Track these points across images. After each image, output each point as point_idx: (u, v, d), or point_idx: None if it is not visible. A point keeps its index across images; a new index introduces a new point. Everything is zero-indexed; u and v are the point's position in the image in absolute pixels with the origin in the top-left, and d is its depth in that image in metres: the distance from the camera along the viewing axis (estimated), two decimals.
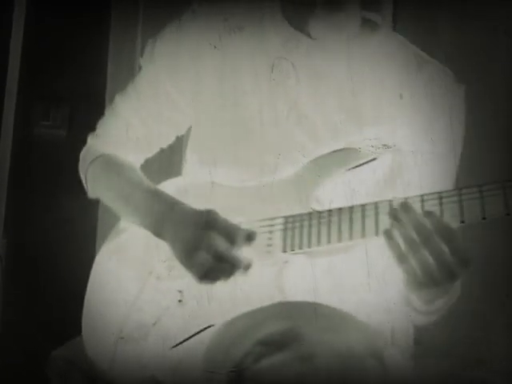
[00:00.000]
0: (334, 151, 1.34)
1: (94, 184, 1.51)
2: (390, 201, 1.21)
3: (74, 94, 2.18)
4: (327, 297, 1.28)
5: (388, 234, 1.18)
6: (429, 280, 1.16)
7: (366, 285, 1.31)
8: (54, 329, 1.91)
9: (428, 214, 1.16)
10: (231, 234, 1.26)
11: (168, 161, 1.71)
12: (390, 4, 1.77)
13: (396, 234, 1.17)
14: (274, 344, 1.15)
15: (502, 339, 1.56)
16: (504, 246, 1.61)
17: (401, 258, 1.17)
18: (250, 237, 1.28)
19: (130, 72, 2.07)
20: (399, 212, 1.18)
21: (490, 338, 1.55)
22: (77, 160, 1.55)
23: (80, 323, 1.46)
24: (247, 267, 1.26)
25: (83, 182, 1.54)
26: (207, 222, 1.27)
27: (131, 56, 2.10)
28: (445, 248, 1.14)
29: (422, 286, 1.19)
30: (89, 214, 2.04)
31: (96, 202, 1.99)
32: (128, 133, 1.49)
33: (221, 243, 1.25)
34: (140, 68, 1.51)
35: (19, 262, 2.06)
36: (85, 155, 1.54)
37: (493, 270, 1.60)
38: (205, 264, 1.25)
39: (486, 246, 1.59)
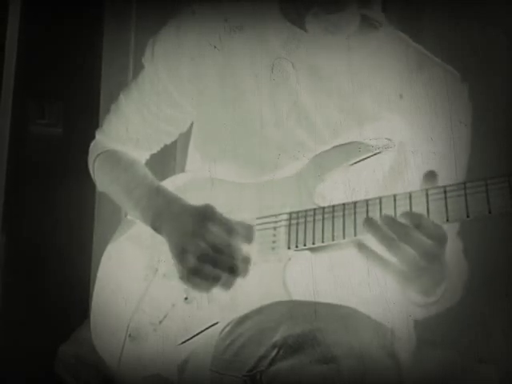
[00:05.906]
0: (335, 147, 1.34)
1: (101, 178, 1.54)
2: (395, 195, 1.21)
3: (69, 91, 2.17)
4: (333, 295, 1.28)
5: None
6: (416, 270, 1.16)
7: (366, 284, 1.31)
8: (55, 321, 1.92)
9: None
10: (229, 225, 1.27)
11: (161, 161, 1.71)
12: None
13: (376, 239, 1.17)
14: (291, 347, 1.15)
15: (502, 339, 1.57)
16: (504, 245, 1.62)
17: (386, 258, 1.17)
18: (248, 231, 1.28)
19: (124, 70, 2.08)
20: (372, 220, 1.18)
21: (489, 338, 1.55)
22: (73, 157, 1.56)
23: (81, 313, 1.47)
24: (246, 261, 1.26)
25: (91, 175, 1.56)
26: (204, 215, 1.28)
27: (125, 54, 2.10)
28: (421, 235, 1.14)
29: (410, 279, 1.18)
30: (86, 214, 2.04)
31: (92, 198, 1.99)
32: (129, 130, 1.50)
33: (218, 233, 1.26)
34: (142, 66, 1.51)
35: (17, 256, 2.07)
36: (92, 149, 1.57)
37: (493, 270, 1.61)
38: (199, 253, 1.24)
39: (486, 246, 1.59)
